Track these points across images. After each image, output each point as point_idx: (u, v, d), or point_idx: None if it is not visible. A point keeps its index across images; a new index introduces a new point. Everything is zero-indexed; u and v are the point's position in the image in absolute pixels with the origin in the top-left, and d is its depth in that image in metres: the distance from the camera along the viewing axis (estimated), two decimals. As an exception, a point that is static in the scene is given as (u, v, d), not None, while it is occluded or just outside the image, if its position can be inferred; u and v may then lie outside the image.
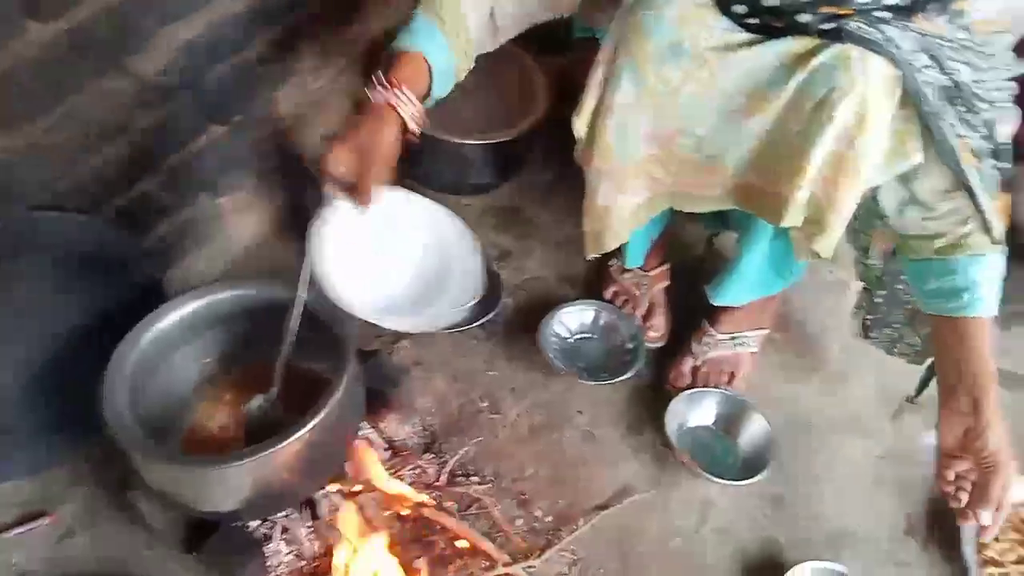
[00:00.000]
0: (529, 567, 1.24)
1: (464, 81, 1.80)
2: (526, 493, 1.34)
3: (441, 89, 1.18)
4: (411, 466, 1.36)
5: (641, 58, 1.08)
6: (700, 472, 1.31)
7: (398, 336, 1.50)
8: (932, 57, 1.00)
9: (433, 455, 1.37)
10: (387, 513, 1.28)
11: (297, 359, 1.18)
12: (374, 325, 1.08)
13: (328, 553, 1.20)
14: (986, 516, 1.10)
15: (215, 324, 1.25)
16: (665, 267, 1.58)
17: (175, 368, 1.24)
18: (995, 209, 1.10)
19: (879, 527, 1.33)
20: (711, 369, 1.47)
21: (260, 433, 1.10)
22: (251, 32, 1.41)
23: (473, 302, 1.17)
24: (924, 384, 1.44)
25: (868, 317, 1.59)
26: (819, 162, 1.05)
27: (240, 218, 1.58)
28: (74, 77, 1.17)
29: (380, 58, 1.18)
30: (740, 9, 1.06)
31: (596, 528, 1.30)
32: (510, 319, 1.55)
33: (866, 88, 0.99)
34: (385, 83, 1.09)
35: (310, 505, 1.24)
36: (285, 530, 1.21)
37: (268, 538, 1.20)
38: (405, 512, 1.29)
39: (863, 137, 1.02)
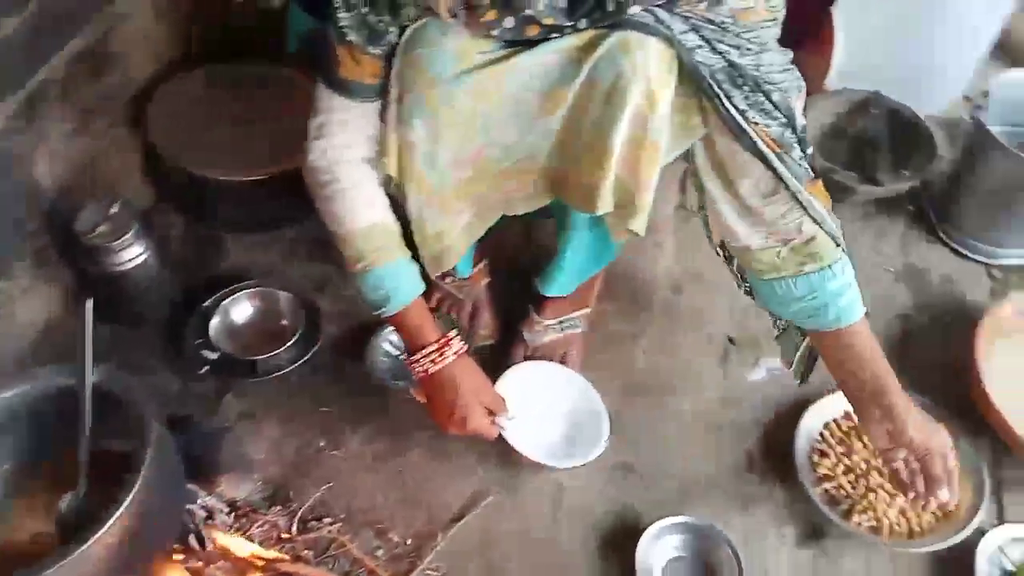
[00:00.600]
0: (395, 595, 1.23)
1: (245, 115, 1.75)
2: (382, 522, 1.31)
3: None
4: (259, 523, 1.30)
5: (430, 95, 1.08)
6: (541, 462, 1.32)
7: (220, 392, 1.44)
8: (702, 38, 1.04)
9: (280, 506, 1.32)
10: (239, 578, 1.24)
11: (101, 443, 1.11)
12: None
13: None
14: (943, 494, 1.15)
15: (6, 427, 1.16)
16: (483, 264, 1.58)
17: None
18: (818, 202, 1.12)
19: (722, 471, 1.39)
20: (544, 355, 1.49)
21: (78, 535, 1.01)
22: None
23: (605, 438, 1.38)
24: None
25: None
26: (619, 147, 1.08)
27: (24, 301, 1.46)
28: None
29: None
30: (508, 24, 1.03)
31: (456, 539, 1.29)
32: (337, 348, 1.51)
33: (648, 70, 1.03)
34: (441, 352, 1.21)
35: (156, 590, 1.17)
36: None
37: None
38: (260, 573, 1.25)
39: (654, 116, 1.06)
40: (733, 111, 1.06)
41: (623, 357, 1.54)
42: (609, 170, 1.10)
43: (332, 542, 1.29)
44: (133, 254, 1.37)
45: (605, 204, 1.14)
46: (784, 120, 1.08)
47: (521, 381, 1.42)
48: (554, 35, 1.04)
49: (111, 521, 0.97)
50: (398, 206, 1.21)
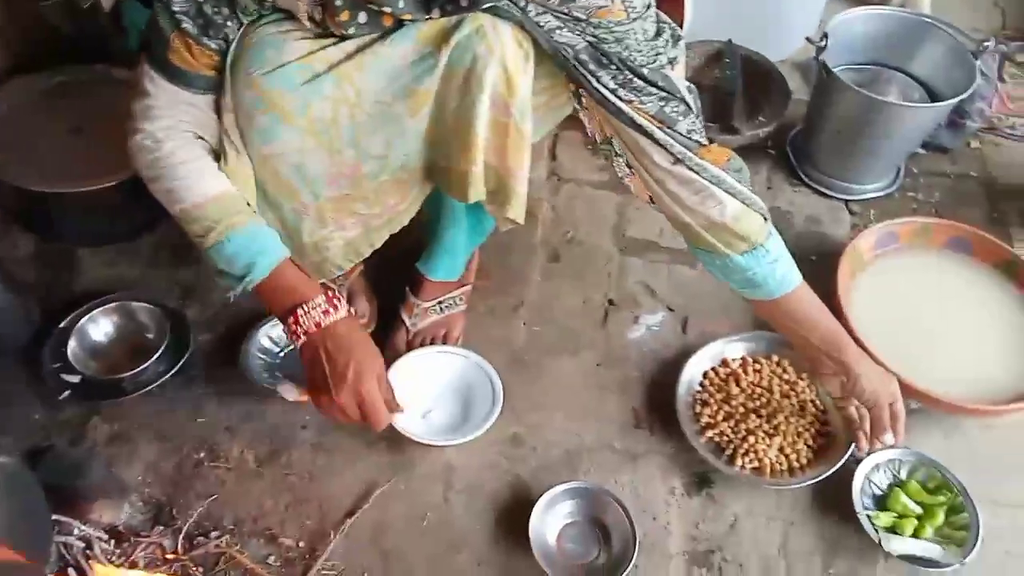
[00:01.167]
0: (290, 599, 1.21)
1: (81, 122, 1.66)
2: (272, 528, 1.28)
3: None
4: (142, 546, 1.25)
5: (286, 111, 1.03)
6: (430, 441, 1.32)
7: (87, 416, 1.37)
8: (558, 18, 1.01)
9: (163, 526, 1.27)
10: (127, 608, 1.19)
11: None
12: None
13: None
14: (887, 439, 1.25)
15: None
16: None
17: None
18: (713, 166, 1.11)
19: (610, 430, 1.41)
20: (425, 337, 1.48)
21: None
22: None
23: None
24: None
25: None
26: (484, 132, 1.06)
27: None
28: None
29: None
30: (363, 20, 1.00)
31: (350, 535, 1.27)
32: (209, 355, 1.46)
33: (504, 52, 1.01)
34: (327, 309, 1.10)
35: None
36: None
37: None
38: (147, 597, 1.20)
39: (515, 99, 1.04)
40: (604, 90, 1.04)
41: (504, 330, 1.53)
42: (477, 156, 1.08)
43: (221, 555, 1.25)
44: (-29, 282, 1.29)
45: (477, 192, 1.13)
46: (662, 94, 1.06)
47: (411, 371, 1.40)
48: (407, 23, 1.02)
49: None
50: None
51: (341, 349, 1.10)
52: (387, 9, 0.98)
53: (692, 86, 1.13)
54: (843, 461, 1.32)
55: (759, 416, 1.38)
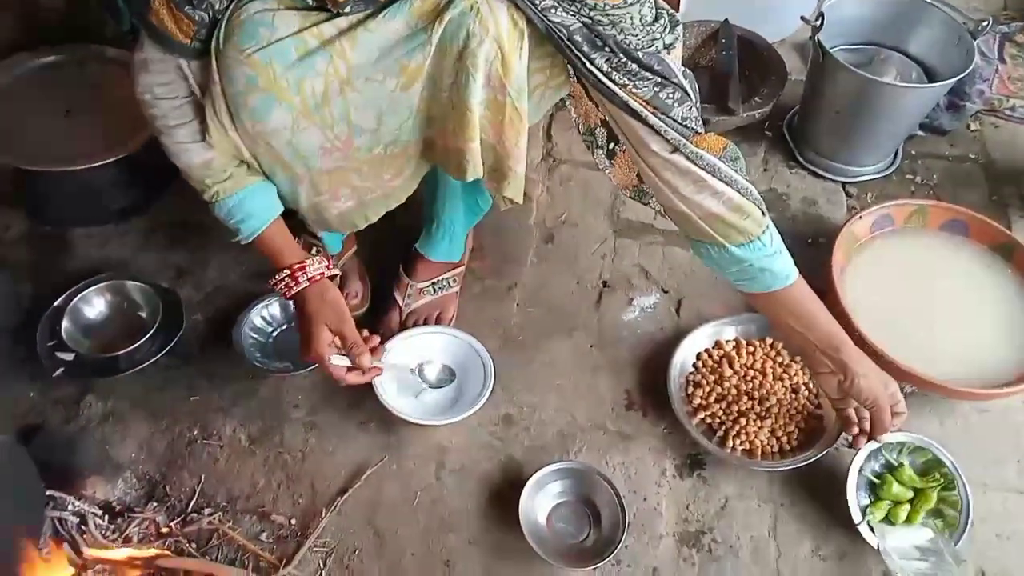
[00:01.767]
0: (283, 576, 1.21)
1: (71, 102, 1.65)
2: (264, 505, 1.29)
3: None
4: (136, 522, 1.26)
5: (278, 89, 1.02)
6: (421, 421, 1.32)
7: (81, 394, 1.37)
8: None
9: (157, 502, 1.28)
10: (122, 582, 1.20)
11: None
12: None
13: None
14: (885, 438, 1.26)
15: None
16: (349, 232, 1.54)
17: None
18: (710, 146, 1.10)
19: (602, 411, 1.41)
20: (418, 318, 1.48)
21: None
22: None
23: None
24: None
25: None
26: (480, 110, 1.05)
27: None
28: None
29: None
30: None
31: (342, 513, 1.28)
32: (202, 334, 1.47)
33: (498, 30, 0.99)
34: (289, 282, 1.17)
35: (31, 606, 1.13)
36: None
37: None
38: (141, 571, 1.21)
39: (510, 78, 1.03)
40: (597, 73, 1.03)
41: (498, 311, 1.53)
42: (473, 134, 1.07)
43: (214, 532, 1.26)
44: (-40, 264, 1.29)
45: (475, 170, 1.12)
46: (657, 80, 1.05)
47: (403, 351, 1.40)
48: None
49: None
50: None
51: (300, 317, 1.20)
52: None
53: (689, 72, 1.11)
54: (835, 445, 1.32)
55: (751, 398, 1.38)
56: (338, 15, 1.02)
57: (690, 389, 1.41)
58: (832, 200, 1.74)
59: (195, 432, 1.35)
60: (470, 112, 1.05)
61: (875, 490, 1.29)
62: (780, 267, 1.18)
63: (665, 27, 1.07)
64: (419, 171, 1.20)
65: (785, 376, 1.41)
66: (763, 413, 1.36)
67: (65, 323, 1.39)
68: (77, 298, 1.42)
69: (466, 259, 1.56)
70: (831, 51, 1.61)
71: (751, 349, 1.44)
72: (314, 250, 1.24)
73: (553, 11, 1.01)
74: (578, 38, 1.02)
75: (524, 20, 1.02)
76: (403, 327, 1.47)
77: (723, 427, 1.36)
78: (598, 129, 1.10)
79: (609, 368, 1.47)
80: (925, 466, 1.31)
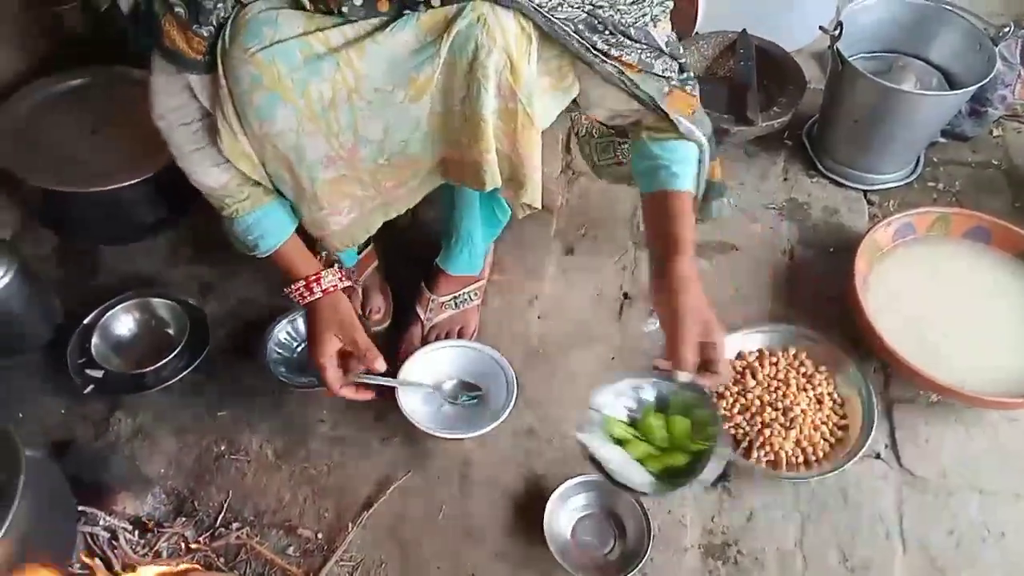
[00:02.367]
0: (309, 590, 1.22)
1: (97, 123, 1.67)
2: (291, 519, 1.30)
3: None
4: (165, 537, 1.28)
5: (283, 89, 1.03)
6: (445, 434, 1.32)
7: (110, 411, 1.40)
8: None
9: (185, 517, 1.29)
10: (152, 596, 1.22)
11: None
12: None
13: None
14: (682, 376, 1.13)
15: None
16: (370, 248, 1.56)
17: None
18: (677, 111, 1.16)
19: (625, 423, 1.41)
20: (440, 332, 1.49)
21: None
22: None
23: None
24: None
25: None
26: (493, 120, 1.07)
27: None
28: None
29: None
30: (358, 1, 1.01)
31: (367, 527, 1.29)
32: (227, 350, 1.48)
33: (506, 41, 1.01)
34: (304, 292, 1.22)
35: (62, 620, 1.14)
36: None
37: None
38: (171, 586, 1.23)
39: (520, 85, 1.05)
40: (597, 54, 1.07)
41: (520, 324, 1.54)
42: (488, 145, 1.09)
43: (242, 547, 1.27)
44: (-5, 280, 1.31)
45: (493, 179, 1.14)
46: (643, 46, 1.11)
47: (426, 365, 1.41)
48: (406, 12, 1.02)
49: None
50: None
51: (311, 326, 1.25)
52: None
53: (672, 37, 1.17)
54: (863, 453, 1.31)
55: (775, 409, 1.37)
56: (346, 23, 1.03)
57: (713, 400, 1.41)
58: (854, 208, 1.73)
59: (222, 447, 1.37)
60: (484, 123, 1.06)
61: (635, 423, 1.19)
62: (680, 172, 1.20)
63: (655, 5, 1.13)
64: (424, 186, 1.21)
65: (809, 387, 1.40)
66: (787, 424, 1.35)
67: (95, 340, 1.41)
68: (106, 316, 1.44)
69: (487, 273, 1.57)
70: (850, 60, 1.61)
71: (774, 360, 1.44)
72: (336, 265, 1.26)
73: (560, 8, 1.03)
74: (582, 26, 1.05)
75: (531, 25, 1.04)
76: (425, 341, 1.48)
77: (747, 438, 1.36)
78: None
79: (631, 380, 1.47)
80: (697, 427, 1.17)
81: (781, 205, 1.73)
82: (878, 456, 1.36)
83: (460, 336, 1.49)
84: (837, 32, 1.61)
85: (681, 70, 1.18)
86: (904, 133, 1.65)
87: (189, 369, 1.41)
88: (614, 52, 1.08)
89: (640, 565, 1.21)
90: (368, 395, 1.26)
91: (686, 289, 1.14)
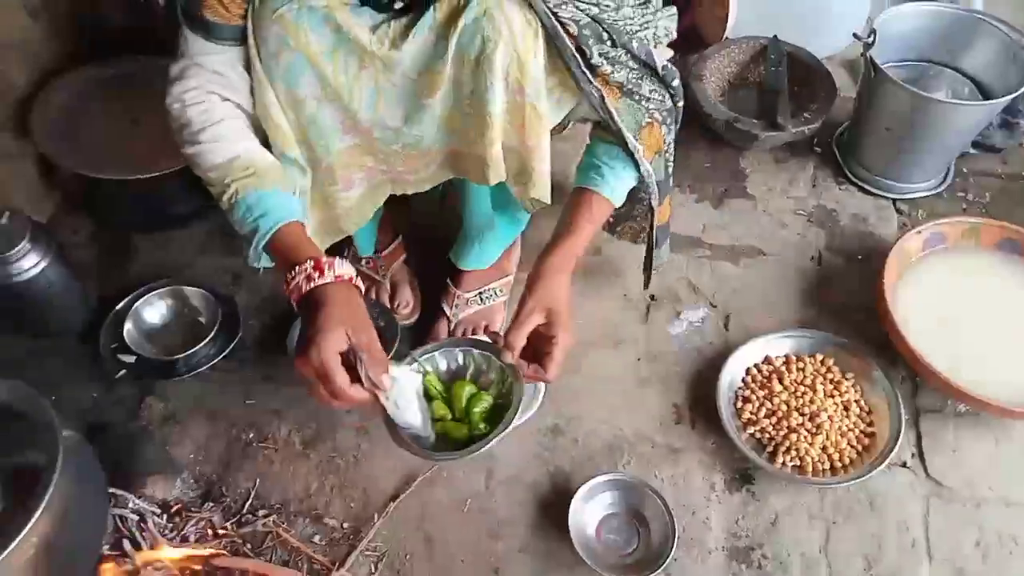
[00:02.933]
0: (334, 579, 1.23)
1: (136, 112, 1.69)
2: (317, 508, 1.31)
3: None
4: (193, 521, 1.29)
5: (310, 53, 1.05)
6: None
7: (141, 395, 1.41)
8: None
9: (213, 503, 1.31)
10: (179, 579, 1.23)
11: (15, 458, 1.09)
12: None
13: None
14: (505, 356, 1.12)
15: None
16: (398, 242, 1.57)
17: None
18: (641, 136, 1.18)
19: (650, 425, 1.41)
20: (466, 328, 1.50)
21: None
22: None
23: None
24: (647, 271, 1.46)
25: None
26: (500, 114, 1.09)
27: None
28: None
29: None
30: None
31: (393, 519, 1.30)
32: (257, 339, 1.50)
33: (513, 35, 1.03)
34: (312, 272, 1.02)
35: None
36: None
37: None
38: (197, 568, 1.24)
39: (527, 79, 1.06)
40: (582, 73, 1.08)
41: (547, 322, 1.54)
42: (494, 139, 1.11)
43: (269, 534, 1.28)
44: (30, 264, 1.33)
45: (497, 174, 1.16)
46: (637, 67, 1.13)
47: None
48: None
49: (23, 532, 0.95)
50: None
51: (308, 319, 1.02)
52: None
53: (670, 64, 1.18)
54: (889, 461, 1.31)
55: (802, 414, 1.37)
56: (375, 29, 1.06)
57: (739, 404, 1.41)
58: (883, 217, 1.73)
59: (251, 435, 1.38)
60: (491, 117, 1.09)
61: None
62: (613, 181, 1.20)
63: (661, 29, 1.15)
64: (434, 177, 1.23)
65: (836, 393, 1.40)
66: (814, 429, 1.35)
67: (128, 326, 1.43)
68: (140, 302, 1.46)
69: (513, 269, 1.58)
70: (883, 67, 1.61)
71: (801, 365, 1.43)
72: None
73: (564, 7, 1.05)
74: (587, 32, 1.06)
75: (537, 20, 1.05)
76: (451, 336, 1.49)
77: (772, 442, 1.36)
78: None
79: (656, 381, 1.47)
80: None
81: (810, 212, 1.73)
82: (905, 465, 1.35)
83: (486, 331, 1.50)
84: (871, 39, 1.61)
85: (672, 97, 1.20)
86: (936, 142, 1.65)
87: (220, 357, 1.43)
88: (606, 67, 1.09)
89: (664, 565, 1.21)
90: (360, 402, 1.03)
91: (548, 276, 1.15)
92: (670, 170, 1.30)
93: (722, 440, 1.38)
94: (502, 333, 1.14)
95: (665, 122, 1.21)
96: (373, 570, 1.25)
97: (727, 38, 1.88)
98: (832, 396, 1.40)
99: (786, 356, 1.46)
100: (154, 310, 1.48)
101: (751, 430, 1.38)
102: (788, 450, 1.34)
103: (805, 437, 1.35)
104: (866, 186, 1.76)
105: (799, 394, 1.40)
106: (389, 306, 1.51)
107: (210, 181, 1.11)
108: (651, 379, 1.47)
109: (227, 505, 1.31)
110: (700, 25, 1.94)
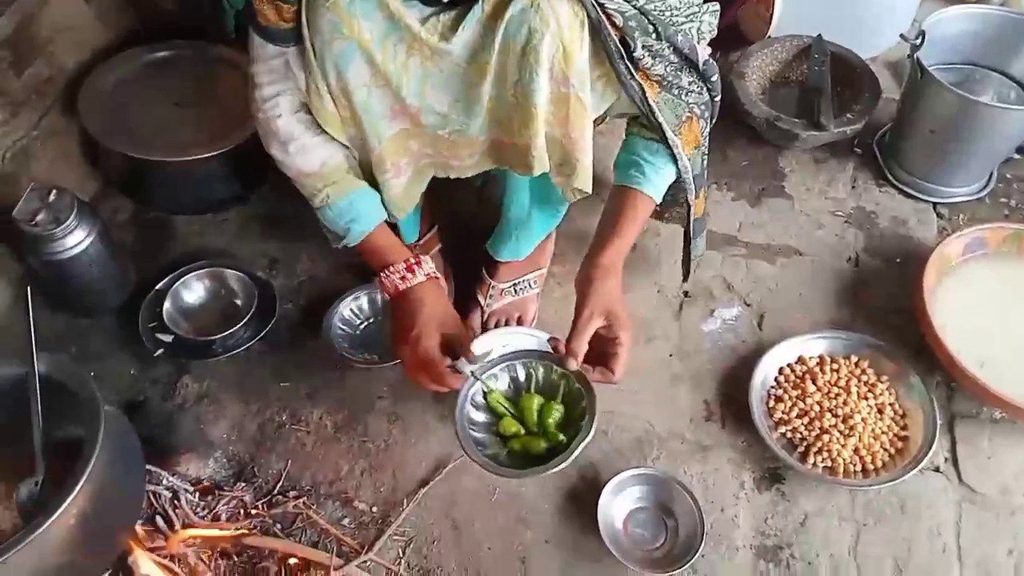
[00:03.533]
0: (363, 562, 1.24)
1: (182, 97, 1.72)
2: (347, 491, 1.32)
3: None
4: (225, 500, 1.31)
5: (363, 39, 1.07)
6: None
7: (178, 374, 1.43)
8: None
9: (245, 483, 1.33)
10: (210, 555, 1.25)
11: (58, 431, 1.11)
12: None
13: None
14: (571, 363, 1.14)
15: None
16: (434, 231, 1.58)
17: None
18: (680, 130, 1.19)
19: (680, 421, 1.41)
20: (499, 319, 1.51)
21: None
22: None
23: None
24: (686, 264, 1.47)
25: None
26: (545, 105, 1.09)
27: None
28: None
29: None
30: None
31: (422, 504, 1.30)
32: (293, 323, 1.51)
33: (560, 25, 1.04)
34: (406, 274, 1.19)
35: (124, 571, 1.18)
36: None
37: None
38: (228, 547, 1.26)
39: (572, 70, 1.07)
40: (624, 68, 1.09)
41: (579, 316, 1.54)
42: (538, 129, 1.12)
43: (299, 515, 1.30)
44: (75, 241, 1.35)
45: (541, 164, 1.16)
46: (677, 60, 1.13)
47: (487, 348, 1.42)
48: None
49: (65, 503, 0.97)
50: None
51: (408, 312, 1.19)
52: None
53: (713, 63, 1.18)
54: (920, 467, 1.30)
55: (835, 416, 1.36)
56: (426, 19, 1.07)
57: (771, 403, 1.40)
58: (922, 220, 1.71)
59: (284, 417, 1.40)
60: (535, 108, 1.09)
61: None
62: (650, 178, 1.21)
63: (706, 24, 1.16)
64: (478, 166, 1.24)
65: (870, 395, 1.39)
66: (847, 431, 1.34)
67: (166, 306, 1.45)
68: (178, 282, 1.48)
69: (547, 262, 1.58)
70: (928, 68, 1.59)
71: (835, 366, 1.42)
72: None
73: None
74: (632, 22, 1.07)
75: (584, 11, 1.06)
76: (485, 327, 1.50)
77: (804, 443, 1.35)
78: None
79: (688, 378, 1.46)
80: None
81: (848, 213, 1.71)
82: (938, 470, 1.34)
83: (519, 323, 1.50)
84: (919, 41, 1.59)
85: (711, 91, 1.20)
86: (981, 147, 1.62)
87: (256, 339, 1.44)
88: (647, 60, 1.09)
89: (692, 561, 1.21)
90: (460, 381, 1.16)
91: (601, 279, 1.17)
92: (705, 163, 1.31)
93: (752, 439, 1.37)
94: (563, 341, 1.16)
95: (703, 116, 1.21)
96: (401, 555, 1.26)
97: (769, 36, 1.87)
98: (866, 398, 1.38)
99: (820, 357, 1.45)
100: (192, 291, 1.50)
101: (783, 429, 1.37)
102: (820, 451, 1.33)
103: (837, 438, 1.34)
104: (907, 189, 1.74)
105: (832, 395, 1.39)
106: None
107: (301, 184, 1.22)
108: (683, 375, 1.47)
109: (258, 485, 1.33)
110: (742, 23, 1.93)
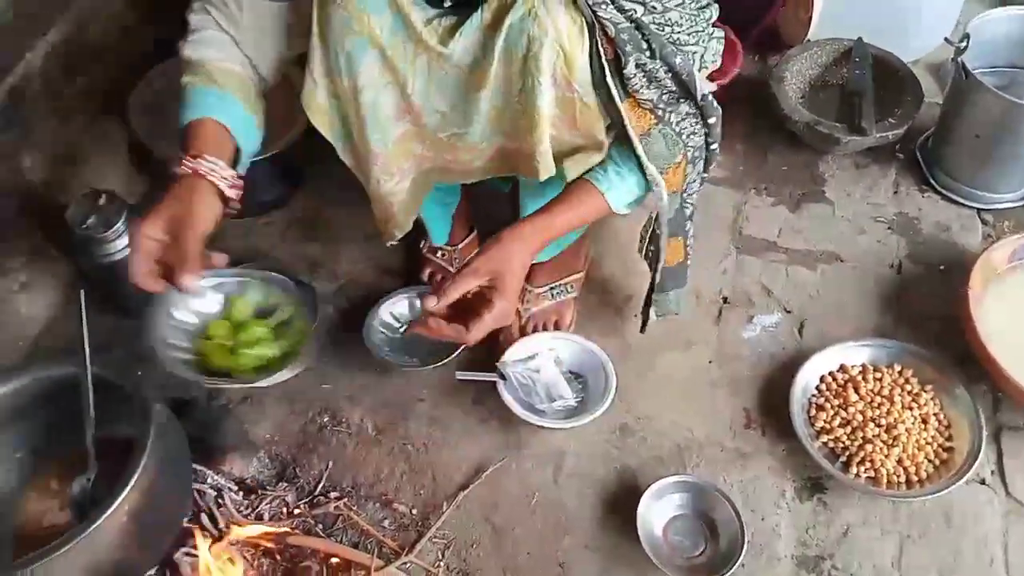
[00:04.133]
0: (403, 564, 1.25)
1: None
2: (387, 493, 1.34)
3: (249, 145, 1.17)
4: (268, 499, 1.33)
5: (374, 35, 1.09)
6: (542, 423, 1.34)
7: (222, 375, 1.46)
8: None
9: (287, 483, 1.35)
10: (253, 554, 1.27)
11: (109, 430, 1.13)
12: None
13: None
14: (452, 331, 1.08)
15: (14, 416, 1.18)
16: (473, 236, 1.59)
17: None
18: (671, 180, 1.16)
19: (720, 428, 1.40)
20: (536, 323, 1.51)
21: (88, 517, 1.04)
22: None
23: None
24: (645, 313, 1.43)
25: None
26: (549, 110, 1.10)
27: (27, 296, 1.48)
28: None
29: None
30: None
31: (461, 508, 1.31)
32: (334, 326, 1.53)
33: (558, 30, 1.04)
34: (187, 156, 1.07)
35: (171, 568, 1.20)
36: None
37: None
38: (271, 546, 1.27)
39: (575, 75, 1.08)
40: (615, 90, 1.07)
41: (616, 320, 1.54)
42: (542, 136, 1.12)
43: (340, 516, 1.31)
44: (124, 244, 1.37)
45: (547, 169, 1.17)
46: (674, 87, 1.10)
47: (526, 353, 1.44)
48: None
49: (118, 501, 0.99)
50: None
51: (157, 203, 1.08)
52: None
53: (710, 98, 1.13)
54: (967, 477, 1.28)
55: (878, 425, 1.35)
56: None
57: (812, 411, 1.39)
58: (967, 226, 1.68)
59: (326, 418, 1.41)
60: (539, 115, 1.10)
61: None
62: (615, 180, 1.15)
63: (709, 51, 1.14)
64: (486, 169, 1.24)
65: (914, 405, 1.37)
66: (890, 441, 1.32)
67: (211, 308, 1.47)
68: (222, 285, 1.50)
69: (584, 265, 1.58)
70: (973, 72, 1.57)
71: (878, 375, 1.41)
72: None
73: (603, 7, 1.05)
74: (625, 36, 1.06)
75: (582, 18, 1.06)
76: (523, 332, 1.50)
77: (847, 452, 1.33)
78: None
79: (728, 385, 1.46)
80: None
81: (890, 219, 1.69)
82: (984, 482, 1.32)
83: (556, 328, 1.50)
84: (964, 45, 1.57)
85: (707, 135, 1.16)
86: (1027, 152, 1.60)
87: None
88: (637, 82, 1.07)
89: (732, 570, 1.20)
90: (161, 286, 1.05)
91: (507, 241, 1.10)
92: (688, 212, 1.26)
93: (793, 447, 1.36)
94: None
95: (693, 160, 1.17)
96: (440, 557, 1.27)
97: (808, 40, 1.85)
98: (910, 408, 1.37)
99: (863, 365, 1.43)
100: (236, 293, 1.52)
101: (824, 439, 1.36)
102: (862, 461, 1.31)
103: (880, 448, 1.32)
104: (950, 194, 1.72)
105: (875, 404, 1.38)
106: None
107: (183, 43, 1.18)
108: (722, 382, 1.46)
109: (300, 486, 1.34)
110: (781, 26, 1.92)
